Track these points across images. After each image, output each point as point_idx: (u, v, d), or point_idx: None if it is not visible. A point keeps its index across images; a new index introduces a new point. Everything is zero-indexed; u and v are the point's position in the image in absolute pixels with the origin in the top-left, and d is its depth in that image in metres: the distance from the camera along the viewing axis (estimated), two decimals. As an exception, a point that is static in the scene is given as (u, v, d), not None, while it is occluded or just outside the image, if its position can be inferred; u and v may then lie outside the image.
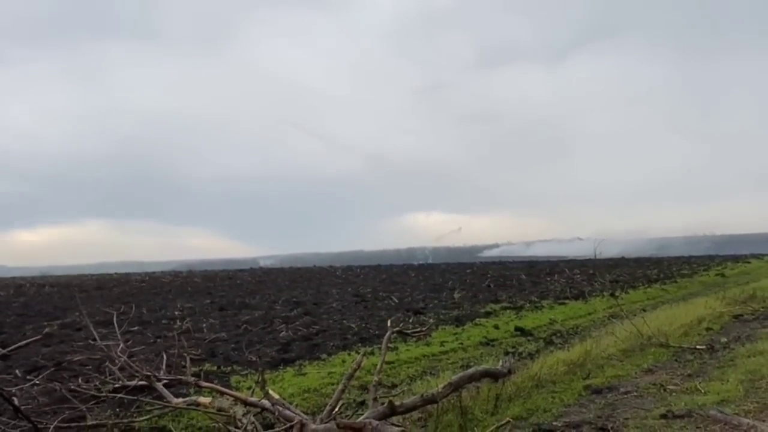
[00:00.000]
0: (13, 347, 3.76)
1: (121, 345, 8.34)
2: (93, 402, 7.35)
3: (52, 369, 9.20)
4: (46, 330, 14.11)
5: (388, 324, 7.50)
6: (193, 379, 7.33)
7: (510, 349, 11.07)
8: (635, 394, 6.95)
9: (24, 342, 4.26)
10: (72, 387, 7.84)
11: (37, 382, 7.96)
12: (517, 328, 13.25)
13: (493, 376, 7.17)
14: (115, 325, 9.00)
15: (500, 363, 7.71)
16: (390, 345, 8.82)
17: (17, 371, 9.14)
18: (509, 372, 7.41)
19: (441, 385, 5.93)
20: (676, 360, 8.85)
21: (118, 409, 7.04)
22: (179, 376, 7.65)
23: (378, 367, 6.39)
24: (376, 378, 6.13)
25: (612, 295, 19.19)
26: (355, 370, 6.12)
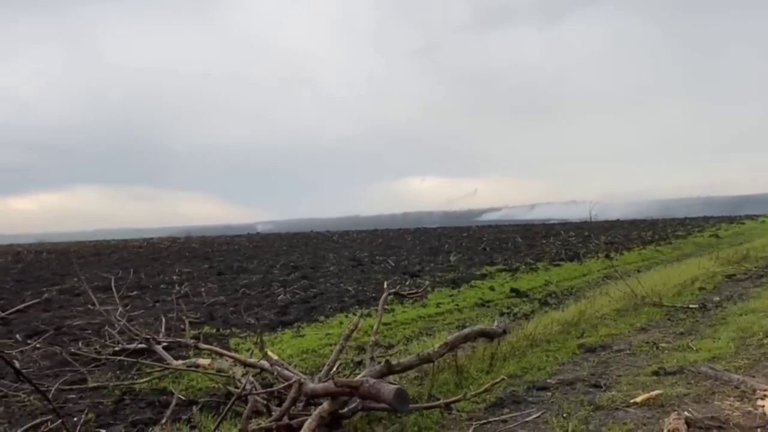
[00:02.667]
0: (12, 310, 3.78)
1: (120, 309, 8.41)
2: (93, 365, 7.45)
3: (53, 333, 9.30)
4: (45, 295, 14.19)
5: (385, 286, 7.56)
6: (192, 341, 7.40)
7: (505, 310, 11.19)
8: (628, 352, 7.05)
9: (23, 305, 4.29)
10: (72, 350, 7.94)
11: (38, 345, 8.06)
12: (512, 290, 13.37)
13: (489, 335, 7.25)
14: (114, 290, 9.05)
15: (495, 323, 7.80)
16: (386, 307, 8.90)
17: (18, 336, 9.23)
18: (504, 332, 7.50)
19: (437, 345, 5.99)
20: (669, 319, 8.96)
21: (118, 372, 7.14)
22: (178, 339, 7.73)
23: (375, 327, 6.45)
24: (373, 338, 6.20)
25: (607, 256, 19.33)
26: (352, 331, 6.18)
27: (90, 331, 9.49)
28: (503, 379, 5.55)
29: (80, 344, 8.47)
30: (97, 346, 8.16)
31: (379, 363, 5.43)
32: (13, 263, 27.18)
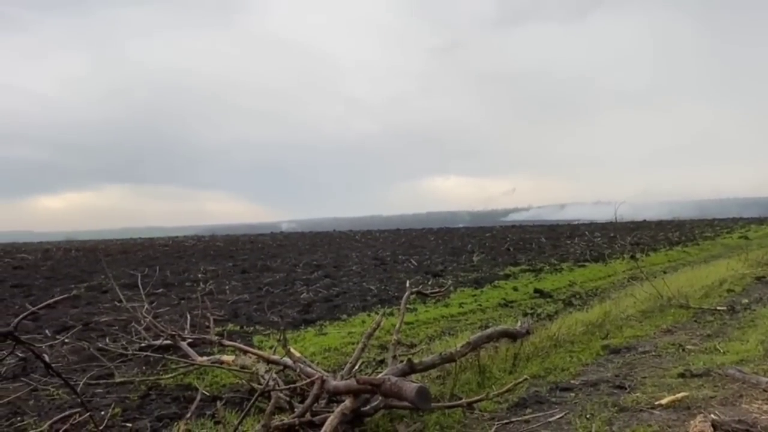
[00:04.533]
0: (42, 305, 3.86)
1: (146, 306, 8.53)
2: (120, 360, 7.58)
3: (81, 328, 9.46)
4: (74, 292, 14.46)
5: (407, 285, 7.56)
6: (216, 338, 7.49)
7: (529, 311, 11.12)
8: (654, 353, 6.96)
9: (52, 301, 4.39)
10: (100, 346, 8.08)
11: (67, 340, 8.21)
12: (536, 290, 13.28)
13: (512, 336, 7.21)
14: (140, 287, 9.20)
15: (519, 324, 7.75)
16: (409, 306, 8.91)
17: (47, 331, 9.42)
18: (527, 332, 7.45)
19: (459, 345, 5.98)
20: (695, 321, 8.82)
21: (144, 367, 7.25)
22: (203, 336, 7.82)
23: (397, 326, 6.45)
24: (395, 337, 6.20)
25: (632, 257, 19.09)
26: (374, 330, 6.20)
27: (117, 327, 9.66)
28: (526, 379, 5.52)
29: (107, 340, 8.62)
30: (124, 342, 8.30)
31: (402, 362, 5.44)
32: (43, 260, 27.71)
